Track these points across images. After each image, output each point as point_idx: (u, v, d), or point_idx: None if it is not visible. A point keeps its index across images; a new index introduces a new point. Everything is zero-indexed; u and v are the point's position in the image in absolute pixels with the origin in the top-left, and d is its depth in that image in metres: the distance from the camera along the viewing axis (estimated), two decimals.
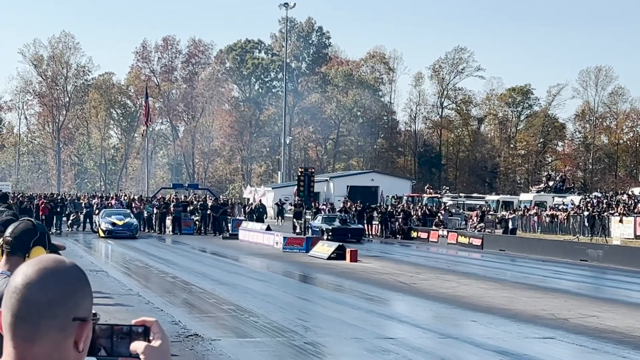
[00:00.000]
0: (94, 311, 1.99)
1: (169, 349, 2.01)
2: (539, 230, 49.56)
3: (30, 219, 4.11)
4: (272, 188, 76.23)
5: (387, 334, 14.70)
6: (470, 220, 50.40)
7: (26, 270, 1.90)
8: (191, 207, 49.92)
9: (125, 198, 54.69)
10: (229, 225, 47.96)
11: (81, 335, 1.90)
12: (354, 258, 30.11)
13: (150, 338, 1.99)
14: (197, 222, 48.78)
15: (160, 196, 54.12)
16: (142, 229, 47.35)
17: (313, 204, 50.50)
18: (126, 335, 1.98)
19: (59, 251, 4.56)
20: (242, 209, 57.03)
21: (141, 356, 1.96)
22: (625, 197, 50.99)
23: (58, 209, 47.44)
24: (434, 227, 48.14)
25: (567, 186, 65.25)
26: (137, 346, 1.97)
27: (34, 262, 1.92)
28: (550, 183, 65.37)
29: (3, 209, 7.64)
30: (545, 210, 52.43)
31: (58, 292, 1.87)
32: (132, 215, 45.66)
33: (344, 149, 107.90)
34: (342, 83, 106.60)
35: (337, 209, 52.50)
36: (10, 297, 1.88)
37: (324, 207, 55.55)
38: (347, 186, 71.04)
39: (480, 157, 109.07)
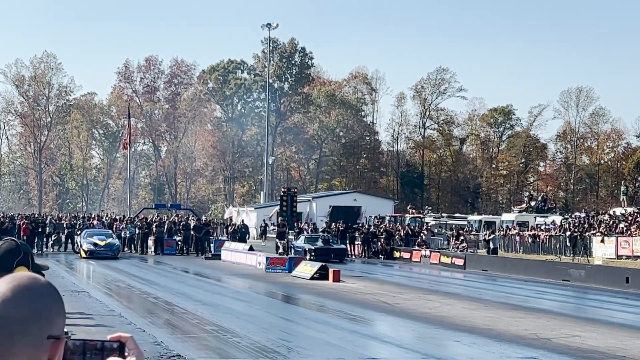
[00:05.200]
0: (65, 330, 1.97)
1: None
2: (521, 250, 49.63)
3: (13, 238, 4.08)
4: (255, 208, 76.15)
5: (370, 354, 14.68)
6: (452, 241, 50.50)
7: (0, 287, 1.87)
8: (174, 228, 49.83)
9: (107, 218, 54.52)
10: (212, 245, 47.86)
11: (55, 353, 1.88)
12: (336, 278, 30.09)
13: (126, 354, 1.97)
14: (179, 243, 48.68)
15: (142, 216, 54.00)
16: (123, 249, 47.14)
17: (296, 224, 50.52)
18: (99, 351, 1.95)
19: (43, 271, 4.53)
20: (225, 229, 56.90)
21: None
22: (606, 217, 51.25)
23: (39, 230, 47.23)
24: (416, 247, 48.18)
25: (549, 206, 65.54)
26: None
27: (8, 280, 1.89)
28: (532, 203, 65.69)
29: None
30: (528, 230, 52.58)
31: (32, 310, 1.85)
32: (114, 236, 45.51)
33: (326, 169, 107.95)
34: (325, 103, 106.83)
35: (320, 229, 52.49)
36: None
37: (307, 227, 55.53)
38: (330, 206, 71.14)
39: (462, 177, 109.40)
